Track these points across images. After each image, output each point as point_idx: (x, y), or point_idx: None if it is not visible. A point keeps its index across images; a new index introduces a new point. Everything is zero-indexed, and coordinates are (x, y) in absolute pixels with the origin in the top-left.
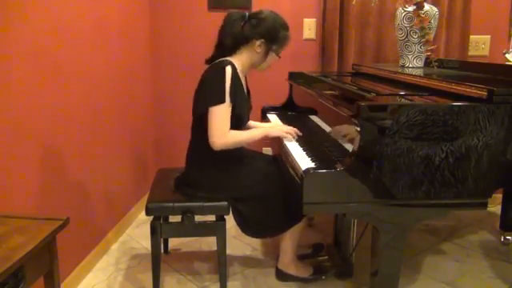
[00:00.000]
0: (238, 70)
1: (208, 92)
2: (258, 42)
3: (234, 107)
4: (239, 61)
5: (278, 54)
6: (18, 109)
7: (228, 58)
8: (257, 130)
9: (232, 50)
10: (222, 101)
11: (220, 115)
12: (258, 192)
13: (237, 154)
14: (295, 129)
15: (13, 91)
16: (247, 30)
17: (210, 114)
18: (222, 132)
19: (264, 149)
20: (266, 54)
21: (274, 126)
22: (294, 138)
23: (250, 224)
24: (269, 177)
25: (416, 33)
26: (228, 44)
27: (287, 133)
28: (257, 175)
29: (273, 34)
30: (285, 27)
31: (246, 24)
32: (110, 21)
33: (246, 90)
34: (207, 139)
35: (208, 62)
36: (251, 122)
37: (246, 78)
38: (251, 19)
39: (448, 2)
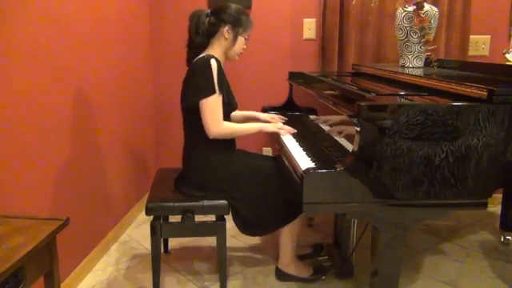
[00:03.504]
0: (220, 62)
1: (198, 86)
2: (225, 29)
3: (223, 96)
4: (215, 53)
5: (245, 38)
6: (18, 108)
7: (208, 53)
8: (253, 124)
9: (204, 47)
10: (213, 92)
11: (212, 105)
12: (257, 192)
13: (235, 153)
14: (289, 127)
15: (12, 91)
16: (213, 23)
17: (203, 105)
18: (216, 121)
19: (264, 149)
20: (235, 38)
21: (270, 117)
22: (288, 134)
23: (249, 224)
24: (268, 177)
25: (416, 33)
26: (200, 42)
27: (281, 129)
28: (256, 175)
29: (236, 18)
30: (245, 12)
31: (211, 18)
32: (110, 21)
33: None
34: (199, 135)
35: (188, 63)
36: (248, 112)
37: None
38: (214, 13)
39: (448, 2)
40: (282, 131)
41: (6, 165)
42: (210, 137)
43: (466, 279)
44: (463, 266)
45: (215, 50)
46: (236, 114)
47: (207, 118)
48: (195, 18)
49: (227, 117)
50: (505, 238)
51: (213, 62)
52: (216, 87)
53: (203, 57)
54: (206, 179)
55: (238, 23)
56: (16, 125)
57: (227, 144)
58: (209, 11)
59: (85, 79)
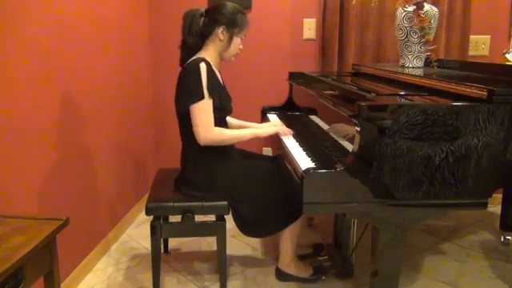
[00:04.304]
0: (211, 65)
1: (187, 91)
2: (220, 30)
3: (214, 101)
4: (208, 56)
5: (241, 38)
6: (18, 108)
7: (199, 56)
8: (246, 130)
9: (199, 47)
10: (202, 97)
11: (202, 111)
12: (257, 192)
13: (234, 154)
14: (286, 128)
15: (13, 91)
16: (207, 24)
17: (193, 111)
18: (206, 127)
19: (264, 149)
20: (230, 39)
21: (264, 126)
22: (287, 135)
23: (249, 224)
24: (268, 177)
25: (416, 33)
26: (193, 42)
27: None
28: (255, 175)
29: (231, 18)
30: (241, 11)
31: (206, 19)
32: (110, 21)
33: (222, 83)
34: (195, 138)
35: (181, 64)
36: (245, 123)
37: (219, 71)
38: (208, 13)
39: (448, 2)
40: (282, 132)
41: (6, 165)
42: (201, 144)
43: (466, 279)
44: (463, 266)
45: (209, 52)
46: (234, 122)
47: (197, 124)
48: (189, 18)
49: (220, 122)
50: (505, 238)
51: (202, 66)
52: (205, 92)
53: (194, 60)
54: (205, 180)
55: (234, 23)
56: (16, 124)
57: (225, 146)
58: (203, 11)
59: (85, 79)
